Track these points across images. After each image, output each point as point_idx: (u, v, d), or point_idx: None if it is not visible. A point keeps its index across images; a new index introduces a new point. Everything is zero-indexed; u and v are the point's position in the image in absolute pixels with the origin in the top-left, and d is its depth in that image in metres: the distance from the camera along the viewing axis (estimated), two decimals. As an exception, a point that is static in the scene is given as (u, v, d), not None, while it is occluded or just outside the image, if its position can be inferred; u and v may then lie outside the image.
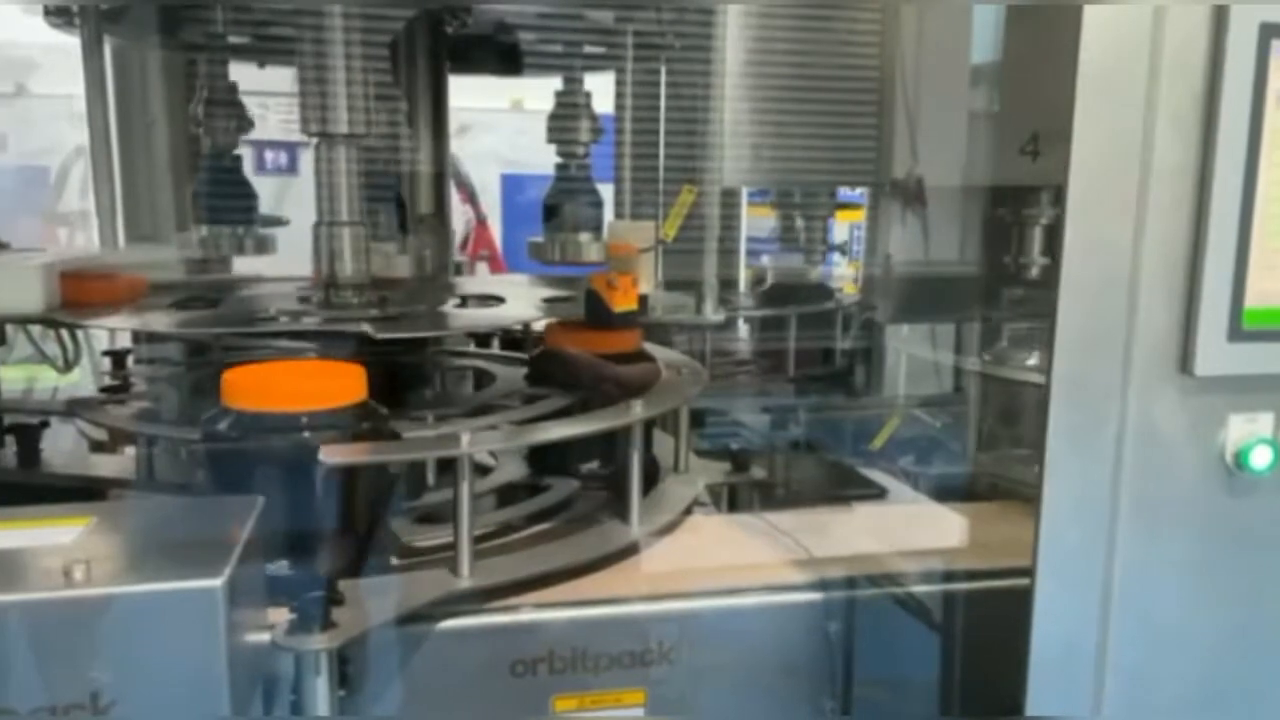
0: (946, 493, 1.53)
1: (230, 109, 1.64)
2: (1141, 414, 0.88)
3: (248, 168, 1.79)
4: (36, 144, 3.82)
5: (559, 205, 1.73)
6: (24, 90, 3.75)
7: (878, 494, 1.53)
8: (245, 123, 1.67)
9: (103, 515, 0.92)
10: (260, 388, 1.07)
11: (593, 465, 1.34)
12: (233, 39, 1.70)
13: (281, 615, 0.95)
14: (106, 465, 1.44)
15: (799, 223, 2.37)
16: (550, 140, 1.80)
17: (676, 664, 1.11)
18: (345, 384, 1.10)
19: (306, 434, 1.05)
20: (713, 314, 1.45)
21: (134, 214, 1.88)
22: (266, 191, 2.23)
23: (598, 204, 1.77)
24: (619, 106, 1.89)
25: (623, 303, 1.33)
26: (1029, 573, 0.91)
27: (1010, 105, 1.57)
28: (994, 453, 1.47)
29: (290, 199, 2.00)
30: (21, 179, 3.71)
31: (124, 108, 1.90)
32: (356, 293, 1.42)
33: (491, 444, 1.13)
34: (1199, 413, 0.89)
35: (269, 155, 4.29)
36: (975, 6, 1.65)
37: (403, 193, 1.72)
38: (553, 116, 1.78)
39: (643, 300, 1.36)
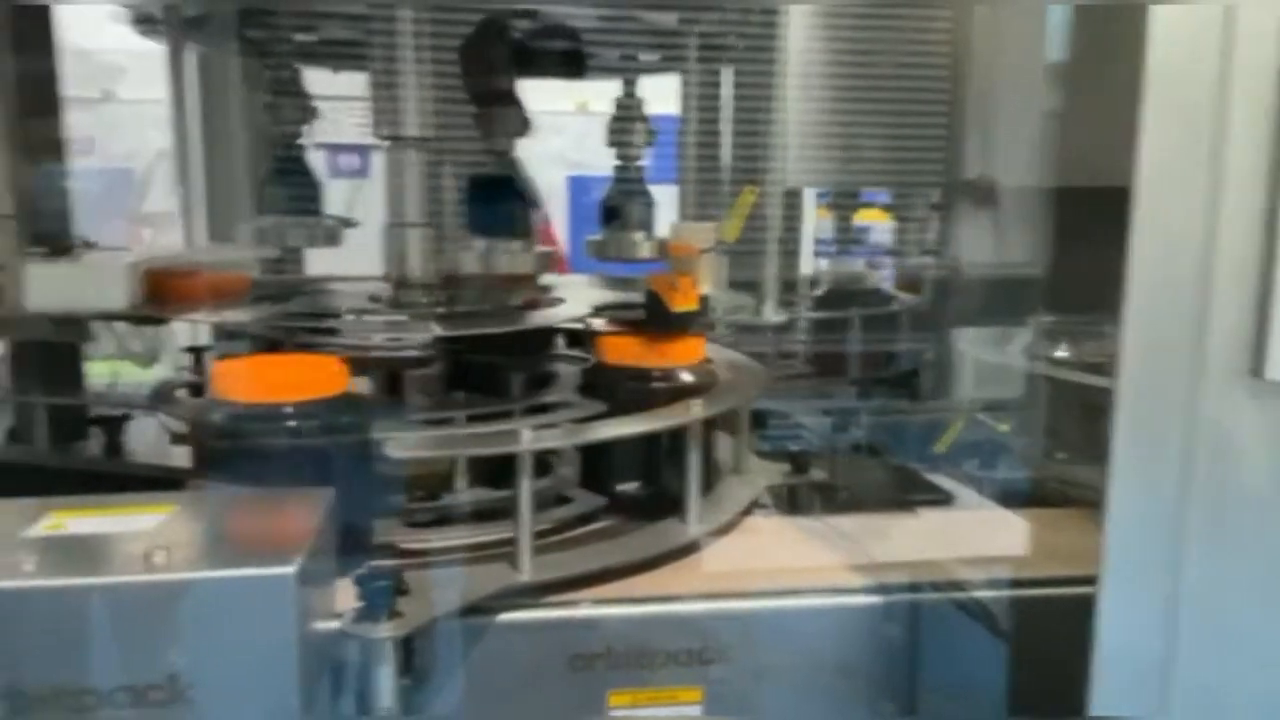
0: (1013, 498, 1.50)
1: (293, 97, 1.65)
2: (1212, 419, 0.86)
3: (321, 170, 1.84)
4: (123, 147, 3.97)
5: (617, 206, 1.76)
6: (111, 95, 3.90)
7: (943, 499, 1.52)
8: (309, 112, 1.66)
9: (183, 504, 0.96)
10: (247, 379, 1.10)
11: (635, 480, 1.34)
12: (301, 37, 1.73)
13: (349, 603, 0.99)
14: (185, 457, 1.49)
15: (896, 224, 2.34)
16: (610, 144, 1.83)
17: (734, 663, 1.12)
18: (327, 377, 1.11)
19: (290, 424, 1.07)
20: (773, 315, 1.45)
21: (215, 215, 1.95)
22: (339, 194, 2.29)
23: (650, 204, 1.80)
24: (684, 108, 1.90)
25: (683, 303, 1.34)
26: (1095, 581, 0.90)
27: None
28: (1063, 458, 1.44)
29: (362, 201, 2.04)
30: (108, 181, 3.85)
31: (207, 112, 1.97)
32: (425, 292, 1.45)
33: (551, 441, 1.14)
34: (1272, 417, 0.87)
35: (342, 159, 4.40)
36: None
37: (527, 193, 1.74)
38: (613, 120, 1.81)
39: (703, 301, 1.37)
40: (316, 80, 1.77)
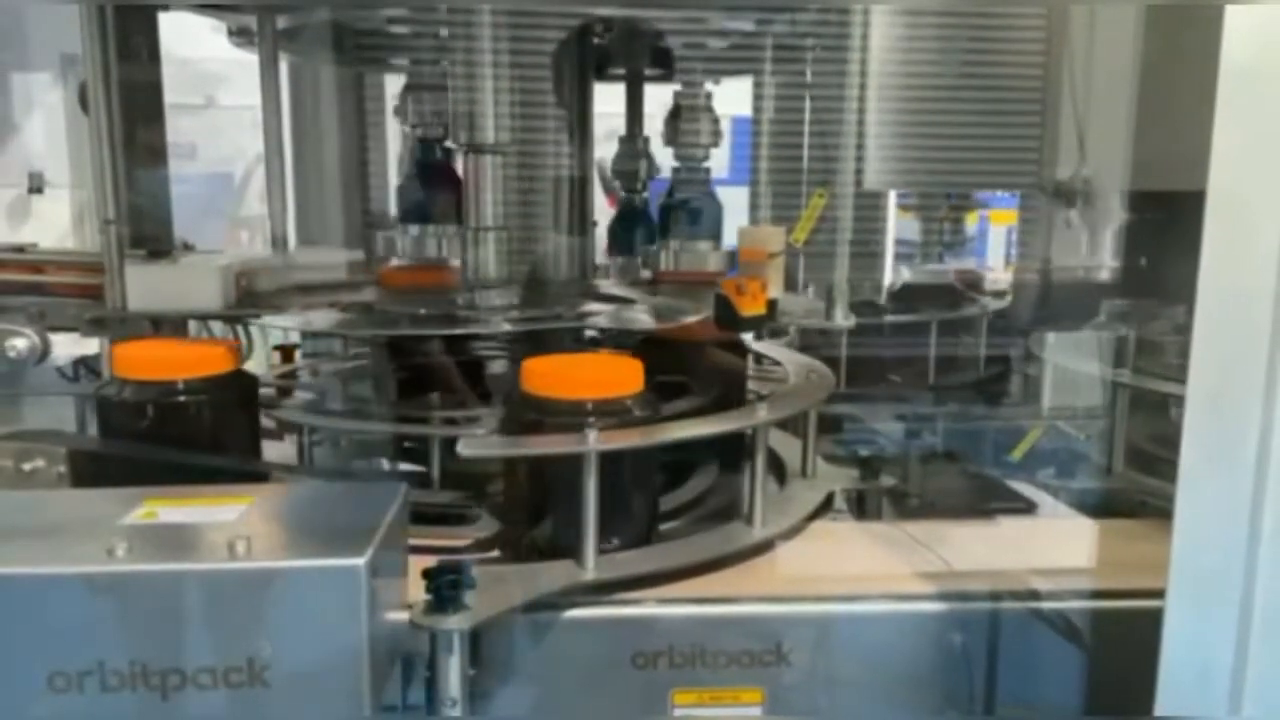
0: (1090, 508, 1.47)
1: (436, 96, 1.63)
2: (1288, 428, 0.83)
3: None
4: (223, 152, 4.15)
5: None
6: (213, 102, 4.07)
7: (1023, 508, 1.49)
8: (446, 116, 1.62)
9: (263, 496, 1.00)
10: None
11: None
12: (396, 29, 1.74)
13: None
14: (271, 450, 1.55)
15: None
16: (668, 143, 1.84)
17: (795, 666, 1.12)
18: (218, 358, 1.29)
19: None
20: (843, 319, 1.45)
21: (304, 219, 2.02)
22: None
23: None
24: (756, 109, 1.90)
25: (751, 307, 1.34)
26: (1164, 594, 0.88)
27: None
28: (1143, 468, 1.41)
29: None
30: (209, 185, 4.02)
31: (298, 120, 2.04)
32: (499, 294, 1.48)
33: (620, 443, 1.16)
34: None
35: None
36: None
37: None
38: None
39: (772, 305, 1.37)
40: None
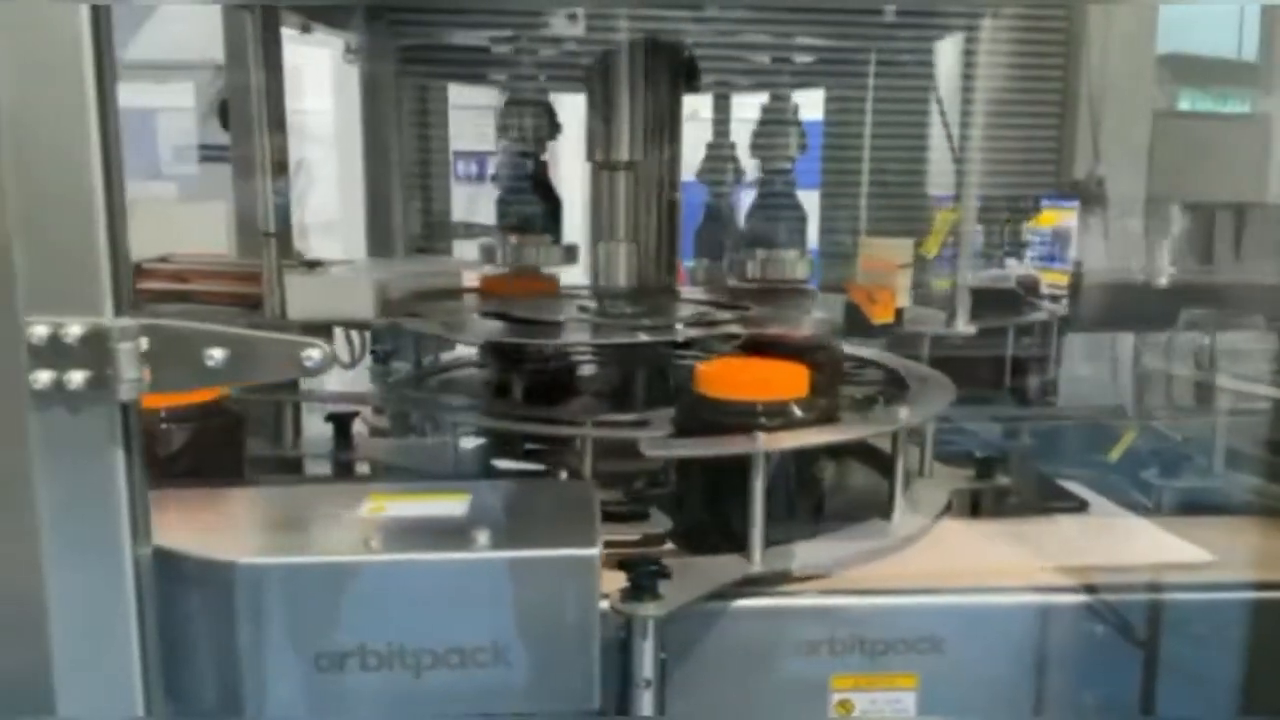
0: (1189, 508, 1.55)
1: (535, 109, 1.69)
2: None
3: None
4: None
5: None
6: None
7: (1078, 506, 1.55)
8: (554, 128, 1.70)
9: (476, 493, 1.08)
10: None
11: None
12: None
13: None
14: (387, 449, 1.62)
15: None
16: (754, 155, 1.86)
17: (946, 654, 1.20)
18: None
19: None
20: (964, 326, 1.53)
21: (374, 227, 2.09)
22: (459, 198, 2.43)
23: (802, 219, 1.84)
24: (828, 119, 1.97)
25: (881, 315, 1.42)
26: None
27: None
28: (1245, 468, 1.49)
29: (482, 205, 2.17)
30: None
31: (371, 129, 2.11)
32: (630, 303, 1.56)
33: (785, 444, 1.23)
34: None
35: (461, 165, 4.59)
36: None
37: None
38: (759, 126, 1.85)
39: (898, 313, 1.45)
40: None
